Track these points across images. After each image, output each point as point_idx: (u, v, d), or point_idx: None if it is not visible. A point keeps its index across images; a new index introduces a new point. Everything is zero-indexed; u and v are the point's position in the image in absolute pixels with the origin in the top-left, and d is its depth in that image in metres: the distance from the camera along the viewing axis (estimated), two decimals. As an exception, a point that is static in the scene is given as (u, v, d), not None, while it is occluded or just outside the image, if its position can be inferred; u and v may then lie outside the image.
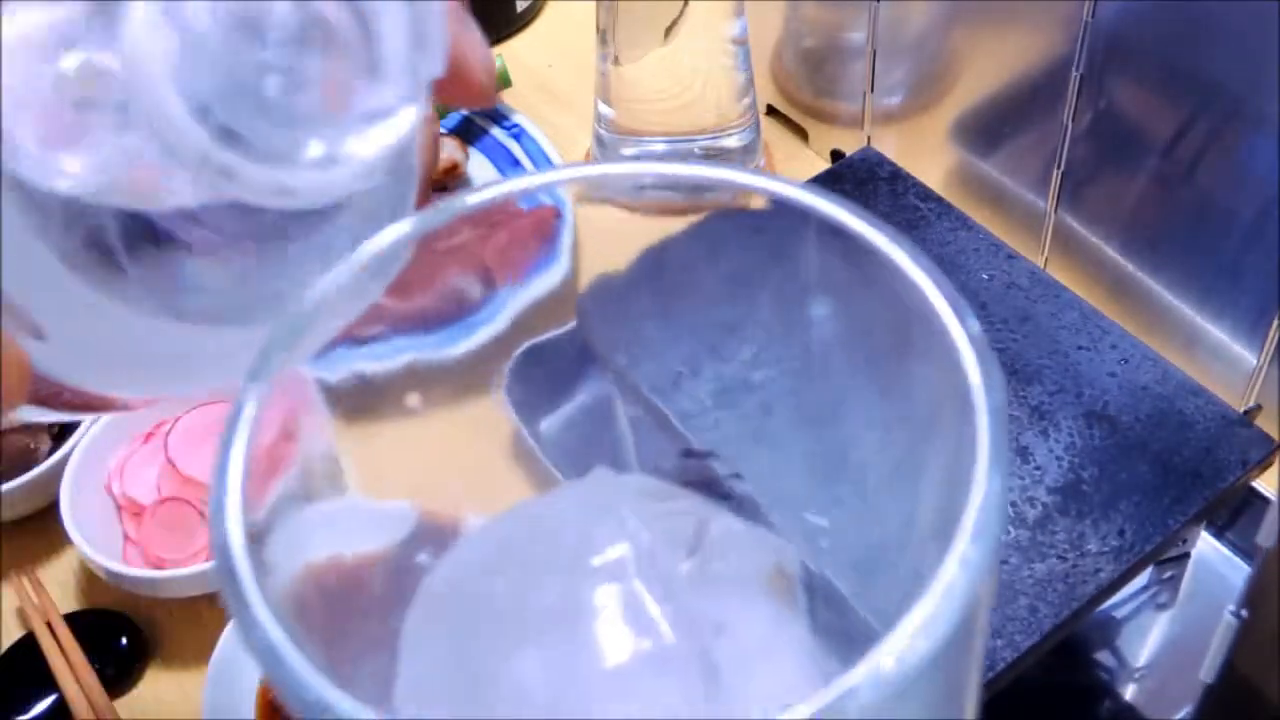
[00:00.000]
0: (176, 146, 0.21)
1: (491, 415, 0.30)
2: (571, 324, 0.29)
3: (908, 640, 0.19)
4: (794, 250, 0.27)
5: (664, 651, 0.26)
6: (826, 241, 0.25)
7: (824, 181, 0.25)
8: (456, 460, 0.30)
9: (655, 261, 0.29)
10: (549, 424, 0.33)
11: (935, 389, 0.23)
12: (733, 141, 0.75)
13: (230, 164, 0.21)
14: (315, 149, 0.22)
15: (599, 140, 0.75)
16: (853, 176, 0.64)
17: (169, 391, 0.25)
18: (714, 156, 0.73)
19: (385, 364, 0.26)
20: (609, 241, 0.30)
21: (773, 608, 0.28)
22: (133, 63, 0.21)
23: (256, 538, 0.20)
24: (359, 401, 0.26)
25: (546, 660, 0.26)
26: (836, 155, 0.77)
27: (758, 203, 0.26)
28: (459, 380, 0.29)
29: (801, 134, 0.81)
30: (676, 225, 0.30)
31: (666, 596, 0.27)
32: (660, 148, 0.73)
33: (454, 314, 0.28)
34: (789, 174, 0.29)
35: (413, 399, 0.27)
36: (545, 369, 0.30)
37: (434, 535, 0.27)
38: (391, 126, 0.22)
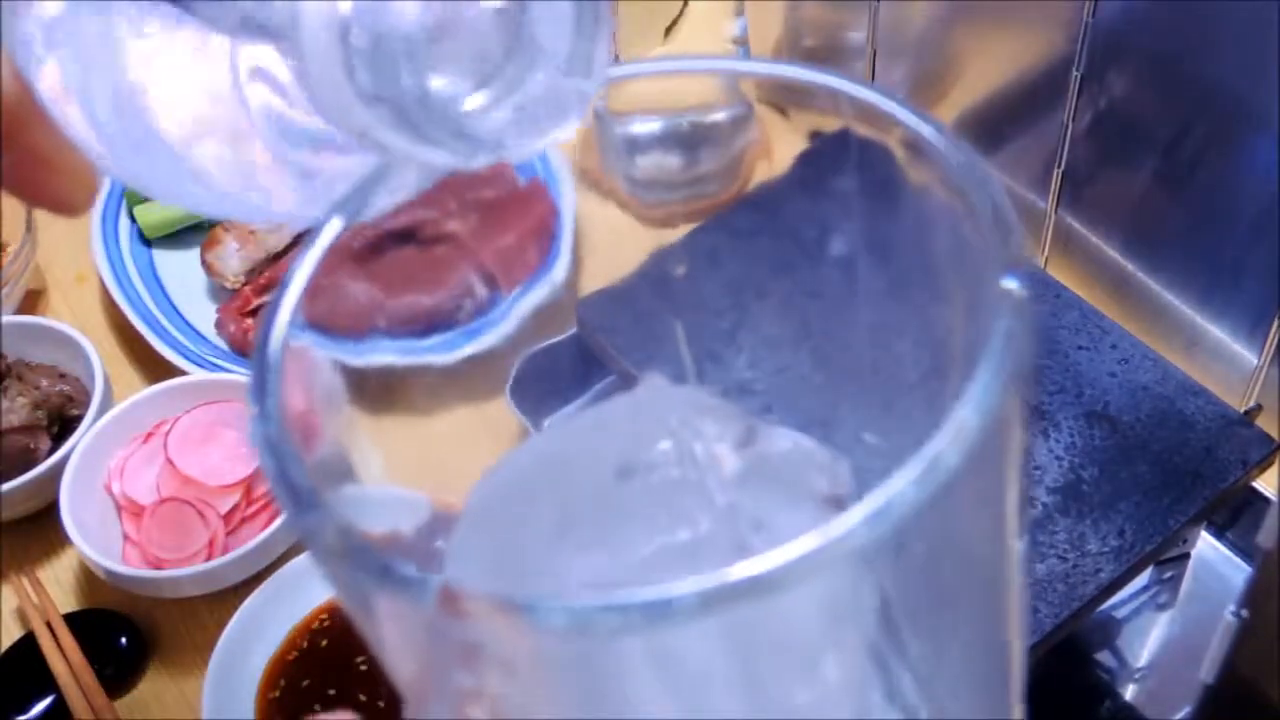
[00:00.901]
0: (340, 120, 0.22)
1: (498, 414, 0.30)
2: (574, 329, 0.30)
3: (954, 429, 0.19)
4: (828, 191, 0.27)
5: (699, 541, 0.26)
6: (877, 158, 0.25)
7: (804, 161, 0.25)
8: (466, 456, 0.30)
9: (654, 269, 0.29)
10: (553, 422, 0.33)
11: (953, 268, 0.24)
12: (721, 116, 0.75)
13: (387, 142, 0.22)
14: (464, 141, 0.23)
15: (597, 115, 0.75)
16: (831, 153, 0.64)
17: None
18: (705, 130, 0.73)
19: (403, 360, 0.27)
20: (609, 249, 0.30)
21: (819, 519, 0.28)
22: (306, 47, 0.21)
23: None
24: (377, 394, 0.26)
25: (585, 555, 0.27)
26: (815, 135, 0.77)
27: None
28: (467, 380, 0.29)
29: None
30: (674, 234, 0.30)
31: (705, 491, 0.27)
32: (656, 125, 0.73)
33: (459, 317, 0.28)
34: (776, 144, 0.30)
35: (425, 396, 0.27)
36: (550, 370, 0.30)
37: (448, 525, 0.27)
38: (540, 136, 0.23)
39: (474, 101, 0.22)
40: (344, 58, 0.21)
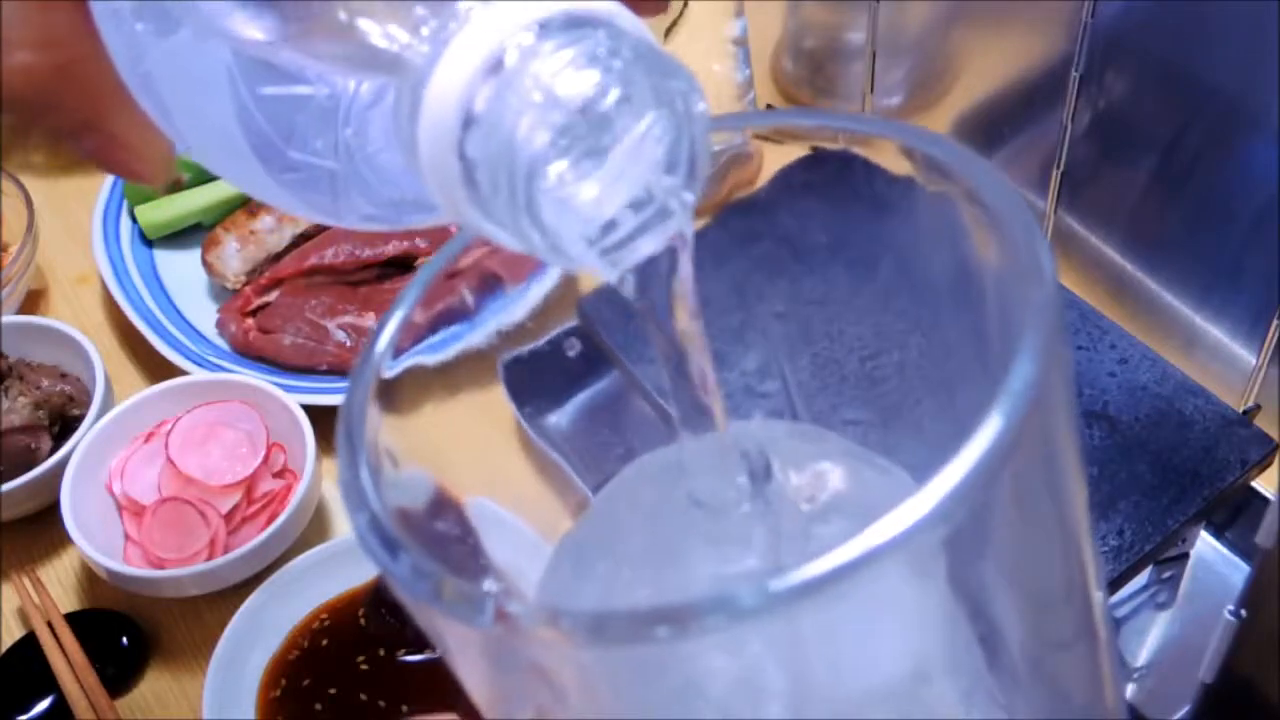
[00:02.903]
0: (443, 202, 0.22)
1: (499, 407, 0.30)
2: (575, 322, 0.30)
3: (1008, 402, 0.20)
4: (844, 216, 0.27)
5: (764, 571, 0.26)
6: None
7: (807, 166, 0.25)
8: (466, 446, 0.30)
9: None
10: (557, 417, 0.33)
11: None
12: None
13: (473, 221, 0.22)
14: (552, 235, 0.22)
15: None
16: (835, 161, 0.64)
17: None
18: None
19: (408, 359, 0.27)
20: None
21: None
22: (429, 114, 0.21)
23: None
24: (383, 390, 0.26)
25: (657, 588, 0.27)
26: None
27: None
28: (471, 374, 0.29)
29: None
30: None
31: (780, 531, 0.27)
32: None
33: (460, 314, 0.28)
34: (772, 162, 0.30)
35: (427, 391, 0.28)
36: (553, 365, 0.30)
37: (449, 509, 0.28)
38: (632, 251, 0.23)
39: (583, 207, 0.22)
40: (461, 167, 0.21)
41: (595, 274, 0.23)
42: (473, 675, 0.24)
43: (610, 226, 0.22)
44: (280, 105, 0.23)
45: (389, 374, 0.26)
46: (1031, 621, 0.26)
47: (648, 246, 0.23)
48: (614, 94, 0.21)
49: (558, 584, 0.28)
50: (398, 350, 0.26)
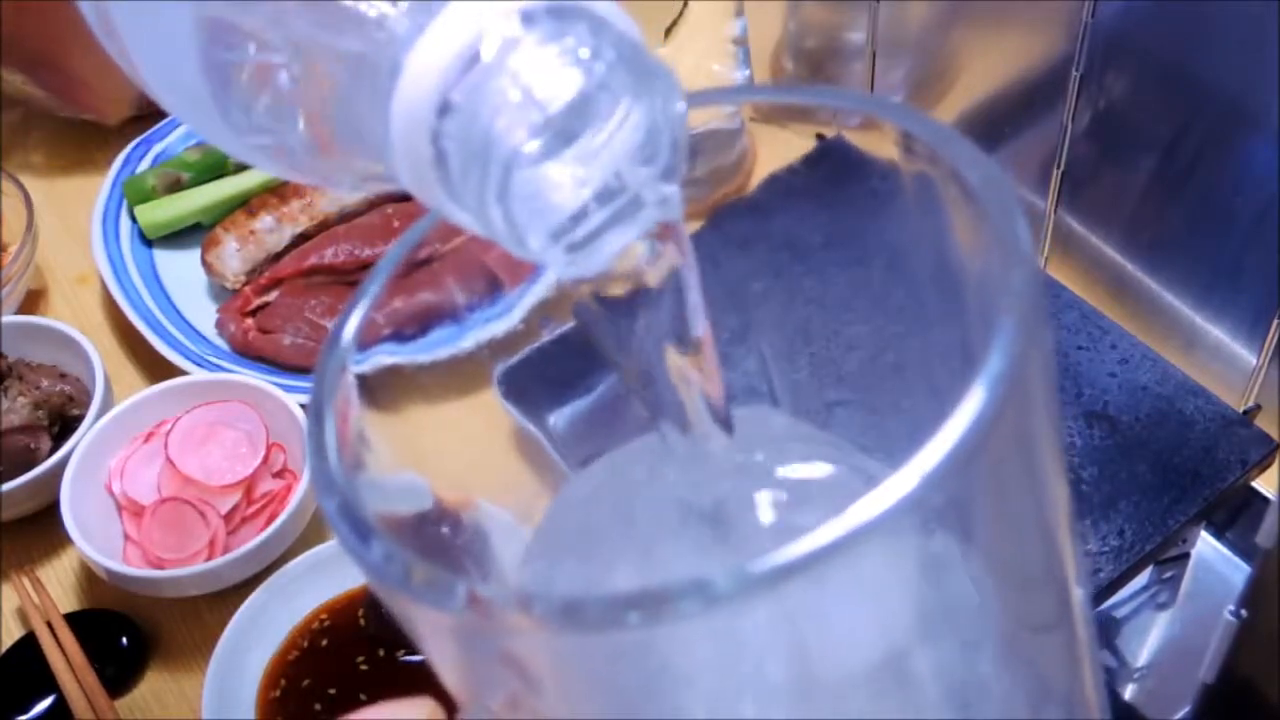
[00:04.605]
0: (416, 189, 0.22)
1: (497, 410, 0.30)
2: (571, 325, 0.30)
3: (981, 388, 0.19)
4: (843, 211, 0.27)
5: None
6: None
7: (809, 163, 0.25)
8: (464, 450, 0.30)
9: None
10: (557, 418, 0.33)
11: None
12: (706, 130, 0.75)
13: (437, 202, 0.22)
14: (519, 226, 0.22)
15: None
16: (836, 156, 0.64)
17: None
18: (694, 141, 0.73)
19: (406, 359, 0.27)
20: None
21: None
22: (404, 95, 0.21)
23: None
24: (380, 392, 0.26)
25: (637, 577, 0.27)
26: (820, 136, 0.77)
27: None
28: (468, 376, 0.29)
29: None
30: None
31: (759, 516, 0.27)
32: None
33: (458, 314, 0.28)
34: (768, 157, 0.29)
35: (425, 393, 0.28)
36: (553, 365, 0.30)
37: (448, 516, 0.27)
38: (604, 245, 0.22)
39: (558, 196, 0.21)
40: (433, 151, 0.21)
41: (553, 269, 0.23)
42: (445, 662, 0.23)
43: (580, 218, 0.22)
44: (245, 68, 0.22)
45: (367, 365, 0.26)
46: (1006, 598, 0.25)
47: (616, 241, 0.22)
48: (592, 86, 0.21)
49: (533, 576, 0.28)
50: (368, 331, 0.25)
